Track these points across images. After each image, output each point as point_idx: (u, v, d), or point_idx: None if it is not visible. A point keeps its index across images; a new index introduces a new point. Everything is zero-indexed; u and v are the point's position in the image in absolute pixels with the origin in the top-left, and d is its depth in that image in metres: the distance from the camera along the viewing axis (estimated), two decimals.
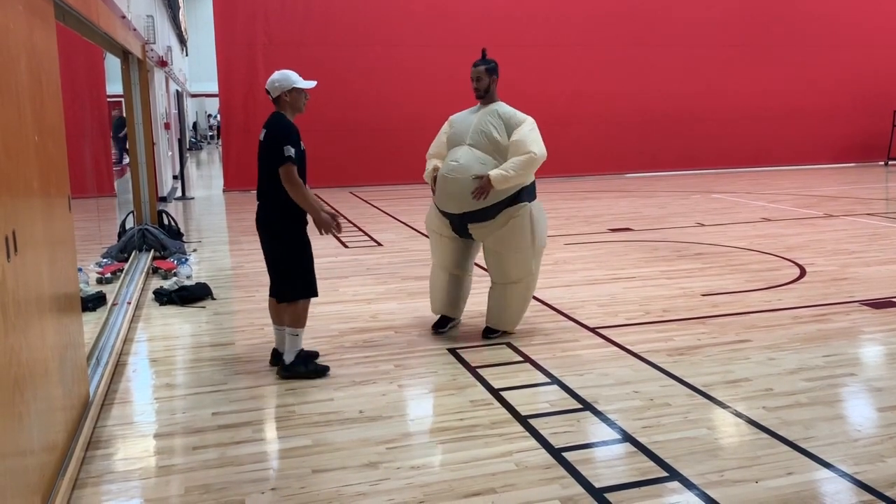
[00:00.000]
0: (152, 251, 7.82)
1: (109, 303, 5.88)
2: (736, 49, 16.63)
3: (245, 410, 3.91)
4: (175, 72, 20.01)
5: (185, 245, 8.42)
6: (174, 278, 6.46)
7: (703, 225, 9.59)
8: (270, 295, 4.53)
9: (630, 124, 16.33)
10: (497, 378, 4.28)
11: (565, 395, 4.04)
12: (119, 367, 4.61)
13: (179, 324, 5.57)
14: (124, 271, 6.98)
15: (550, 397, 4.02)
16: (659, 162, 16.57)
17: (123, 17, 7.33)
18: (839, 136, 17.75)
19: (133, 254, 7.65)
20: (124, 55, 7.89)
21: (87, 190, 11.04)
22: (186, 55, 30.06)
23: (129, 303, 5.79)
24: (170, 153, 14.03)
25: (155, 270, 7.17)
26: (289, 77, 4.36)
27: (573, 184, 14.92)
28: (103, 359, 4.52)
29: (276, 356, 4.51)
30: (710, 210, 10.98)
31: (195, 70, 31.63)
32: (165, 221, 8.68)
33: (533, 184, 4.85)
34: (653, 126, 16.46)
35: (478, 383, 4.21)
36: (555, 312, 5.64)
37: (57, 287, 3.26)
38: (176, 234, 8.70)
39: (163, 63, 13.23)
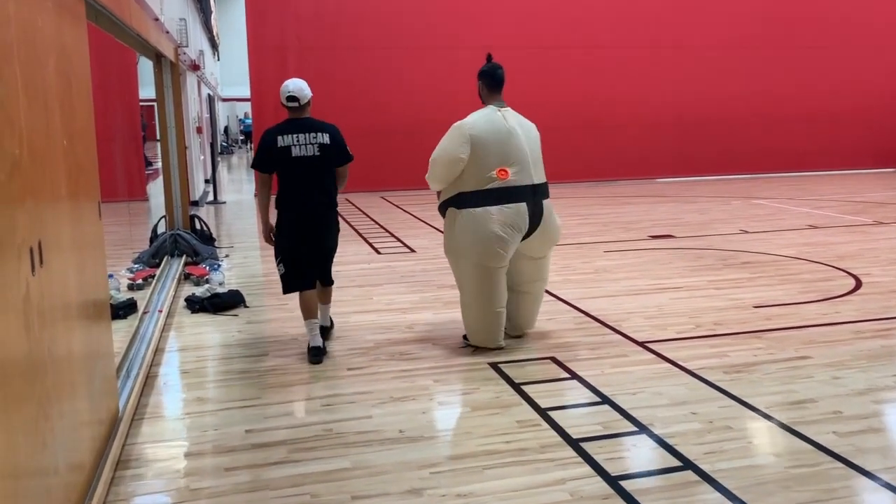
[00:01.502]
0: (184, 256, 7.70)
1: (140, 310, 5.75)
2: (775, 51, 16.20)
3: (279, 428, 3.73)
4: (207, 76, 20.07)
5: (217, 250, 8.30)
6: (206, 285, 6.32)
7: (747, 232, 9.26)
8: (309, 288, 4.79)
9: (666, 128, 15.98)
10: (544, 396, 4.05)
11: (618, 415, 3.80)
12: (150, 378, 4.45)
13: (211, 333, 5.42)
14: (156, 277, 6.86)
15: (602, 418, 3.78)
16: (696, 166, 16.18)
17: (156, 19, 7.23)
18: (882, 140, 17.20)
19: (165, 259, 7.54)
20: (157, 58, 7.79)
21: (118, 194, 11.00)
22: (218, 59, 30.24)
23: (161, 311, 5.66)
24: (202, 157, 14.00)
25: (187, 276, 7.05)
26: (307, 85, 4.86)
27: (609, 188, 14.61)
28: (133, 370, 4.37)
29: (317, 352, 4.67)
30: (753, 216, 10.62)
31: (227, 74, 31.78)
32: (197, 226, 8.57)
33: (472, 192, 4.55)
34: (689, 129, 16.09)
35: (523, 402, 3.98)
36: (600, 325, 5.38)
37: (85, 296, 3.11)
38: (208, 239, 8.58)
39: (195, 67, 13.19)
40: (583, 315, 5.63)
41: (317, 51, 14.03)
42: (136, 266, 7.36)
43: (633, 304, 5.92)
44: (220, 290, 6.15)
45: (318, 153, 4.64)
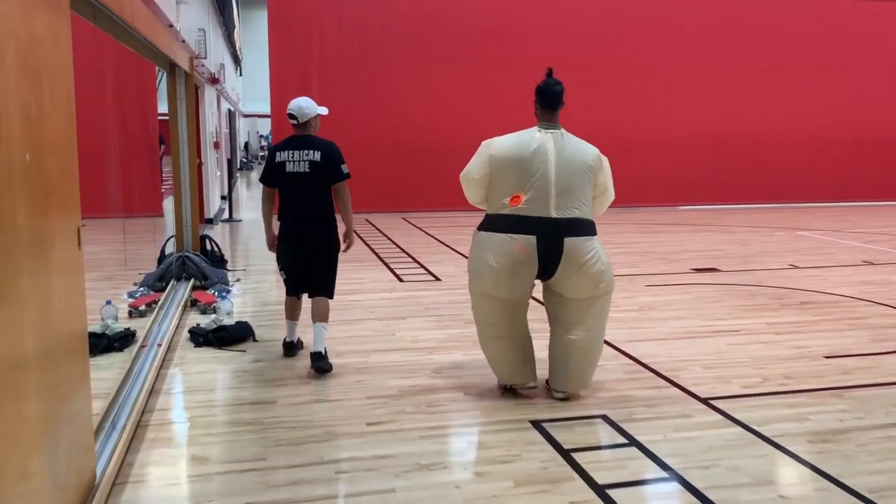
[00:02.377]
0: (192, 280, 7.16)
1: (139, 342, 5.19)
2: (815, 73, 15.53)
3: (286, 501, 3.12)
4: (228, 90, 19.71)
5: (229, 274, 7.75)
6: (213, 315, 5.74)
7: (797, 267, 8.57)
8: (293, 294, 5.10)
9: (698, 152, 15.31)
10: (600, 468, 3.41)
11: (693, 498, 3.15)
12: (140, 429, 3.86)
13: (214, 373, 4.83)
14: (159, 303, 6.31)
15: (675, 502, 3.13)
16: (730, 194, 15.48)
17: (171, 26, 6.74)
18: None
19: (171, 283, 6.99)
20: (171, 68, 7.30)
21: (134, 209, 10.53)
22: (241, 75, 30.02)
23: (160, 345, 5.08)
24: (218, 173, 13.53)
25: (193, 303, 6.49)
26: (311, 104, 4.92)
27: (639, 215, 13.95)
28: (121, 419, 3.78)
29: (290, 348, 5.10)
30: (800, 250, 9.93)
31: (249, 90, 31.55)
32: (209, 247, 8.03)
33: (489, 215, 4.27)
34: (722, 154, 15.39)
35: (576, 475, 3.34)
36: (653, 375, 4.74)
37: (52, 339, 2.54)
38: (219, 261, 8.04)
39: (214, 80, 12.76)
40: (632, 362, 4.99)
41: (340, 65, 13.57)
42: (139, 290, 6.81)
43: (688, 350, 5.27)
44: (228, 321, 5.57)
45: (308, 170, 4.78)
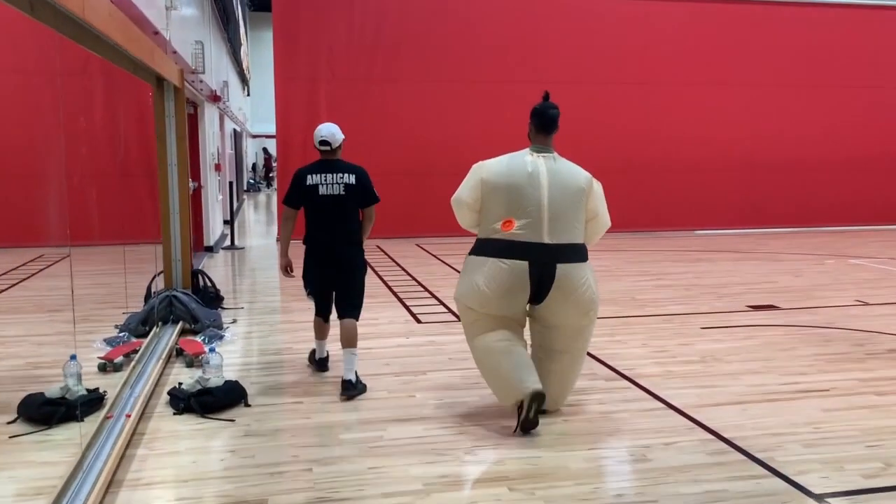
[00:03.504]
0: (180, 324, 6.24)
1: (107, 406, 4.26)
2: (855, 90, 14.58)
3: None
4: (234, 110, 18.94)
5: (223, 315, 6.83)
6: (198, 374, 4.79)
7: (866, 304, 7.57)
8: (321, 314, 5.12)
9: (730, 172, 14.35)
10: None
11: None
12: None
13: (193, 454, 3.88)
14: (139, 352, 5.39)
15: None
16: (765, 216, 14.50)
17: (157, 33, 5.88)
18: None
19: (156, 327, 6.08)
20: (157, 81, 6.43)
21: (130, 235, 9.63)
22: (248, 94, 29.35)
23: (129, 415, 4.14)
24: (220, 197, 12.67)
25: (179, 353, 5.56)
26: (339, 130, 4.98)
27: (673, 241, 12.98)
28: None
29: (322, 363, 5.22)
30: (861, 281, 8.92)
31: (257, 110, 30.84)
32: (202, 283, 7.12)
33: (480, 239, 4.22)
34: (757, 175, 14.43)
35: None
36: (743, 457, 3.76)
37: None
38: (213, 299, 7.12)
39: (216, 98, 11.94)
40: (713, 437, 4.01)
41: (350, 82, 12.73)
42: (119, 336, 5.90)
43: (777, 419, 4.29)
44: (215, 380, 4.62)
45: (343, 192, 4.84)
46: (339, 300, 4.97)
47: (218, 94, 12.08)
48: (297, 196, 4.89)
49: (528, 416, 3.91)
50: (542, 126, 4.17)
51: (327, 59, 12.75)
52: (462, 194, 4.21)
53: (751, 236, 13.56)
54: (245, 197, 25.67)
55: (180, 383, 4.64)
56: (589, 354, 5.49)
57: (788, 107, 14.35)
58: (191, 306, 6.26)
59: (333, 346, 5.19)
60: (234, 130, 19.67)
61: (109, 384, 4.79)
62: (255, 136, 33.76)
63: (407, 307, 7.41)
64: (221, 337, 6.01)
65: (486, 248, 4.09)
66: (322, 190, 4.82)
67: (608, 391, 4.81)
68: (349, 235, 4.90)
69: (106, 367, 5.24)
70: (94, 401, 4.39)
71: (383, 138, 12.53)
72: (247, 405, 4.50)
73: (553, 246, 3.98)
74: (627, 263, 10.31)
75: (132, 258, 8.37)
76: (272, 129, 15.16)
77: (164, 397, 4.61)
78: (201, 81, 9.88)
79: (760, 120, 14.26)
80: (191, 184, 10.27)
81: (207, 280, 7.14)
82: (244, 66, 24.32)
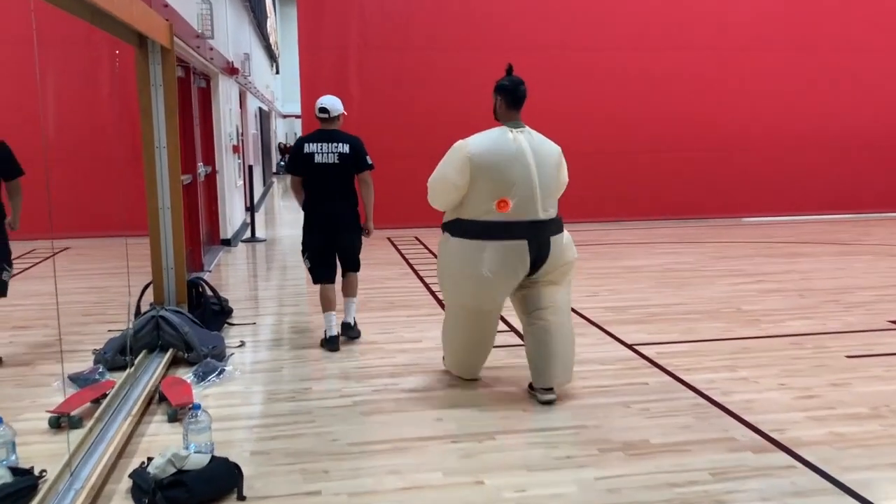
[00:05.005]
0: (170, 352, 4.87)
1: (41, 493, 2.90)
2: None
3: None
4: (261, 88, 17.58)
5: (228, 335, 5.45)
6: (171, 451, 3.35)
7: None
8: (330, 281, 5.29)
9: (806, 152, 12.57)
10: None
11: None
12: None
13: None
14: (108, 398, 4.03)
15: None
16: (855, 200, 12.70)
17: None
18: None
19: (138, 358, 4.71)
20: (140, 41, 5.01)
21: (111, 227, 8.35)
22: (277, 72, 27.99)
23: None
24: (239, 182, 11.32)
25: (162, 399, 4.19)
26: (340, 102, 5.28)
27: (749, 230, 11.32)
28: None
29: (332, 341, 5.17)
30: None
31: (289, 89, 29.47)
32: (202, 295, 5.74)
33: (469, 221, 4.07)
34: (851, 154, 12.63)
35: None
36: None
37: None
38: (218, 314, 5.74)
39: (232, 70, 10.53)
40: None
41: (382, 50, 11.22)
42: (88, 373, 4.53)
43: None
44: (196, 459, 3.20)
45: (338, 161, 5.14)
46: (342, 257, 5.33)
47: (235, 66, 10.68)
48: (297, 163, 5.20)
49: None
50: (515, 102, 4.13)
51: (358, 26, 11.25)
52: (448, 174, 4.08)
53: (842, 222, 11.82)
54: (274, 180, 24.41)
55: (146, 463, 3.24)
56: (716, 404, 4.02)
57: (860, 75, 12.49)
58: (183, 329, 4.87)
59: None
60: (260, 109, 18.31)
61: (57, 453, 3.43)
62: (285, 117, 32.49)
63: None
64: (220, 372, 4.61)
65: (479, 230, 4.01)
66: (318, 158, 5.13)
67: (764, 474, 3.29)
68: (343, 198, 5.20)
69: (60, 422, 3.87)
70: (21, 492, 3.02)
71: (422, 112, 11.02)
72: (240, 498, 3.09)
73: (547, 221, 4.06)
74: (711, 259, 8.71)
75: (139, 253, 7.01)
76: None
77: (127, 482, 3.23)
78: (211, 49, 8.48)
79: (846, 93, 12.44)
80: (202, 168, 8.92)
81: (206, 289, 5.75)
82: (272, 42, 22.94)
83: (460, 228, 4.09)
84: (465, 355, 4.41)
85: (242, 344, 5.35)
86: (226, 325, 5.82)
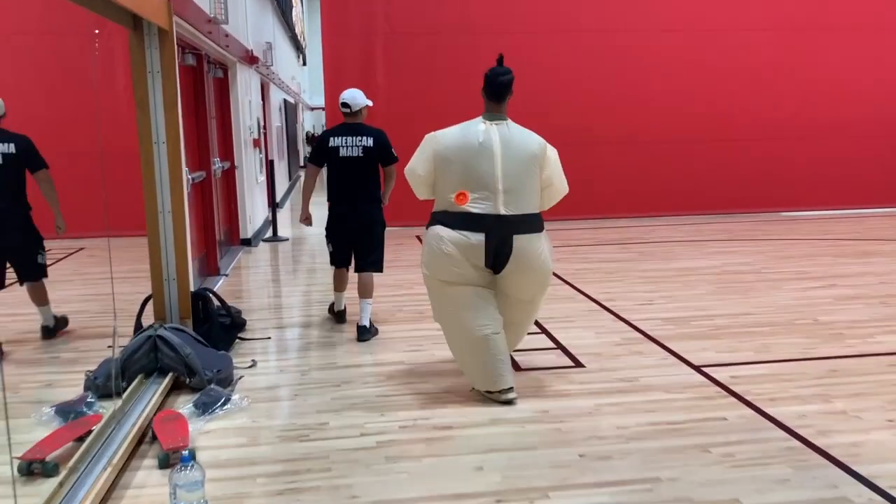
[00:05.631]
0: (169, 376, 4.27)
1: None
2: None
3: None
4: (286, 80, 17.03)
5: (239, 353, 4.84)
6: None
7: None
8: (341, 266, 5.43)
9: (871, 139, 11.62)
10: None
11: None
12: None
13: None
14: (93, 434, 3.43)
15: None
16: (863, 194, 11.66)
17: None
18: None
19: (133, 384, 4.12)
20: (134, 22, 4.40)
21: (119, 226, 7.82)
22: (304, 64, 27.47)
23: None
24: (261, 178, 10.75)
25: (155, 439, 3.58)
26: (363, 95, 5.30)
27: (792, 225, 10.47)
28: None
29: (340, 316, 5.56)
30: None
31: (316, 81, 28.93)
32: (215, 307, 5.13)
33: (438, 212, 4.06)
34: (854, 144, 11.61)
35: None
36: None
37: None
38: (228, 328, 5.13)
39: (252, 59, 9.93)
40: None
41: (411, 37, 10.55)
42: (75, 403, 3.94)
43: None
44: None
45: (362, 154, 5.18)
46: (358, 256, 5.34)
47: (255, 55, 10.08)
48: (320, 155, 5.29)
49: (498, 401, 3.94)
50: (493, 94, 4.01)
51: (384, 10, 10.57)
52: (415, 167, 4.10)
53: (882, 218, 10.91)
54: (301, 175, 23.89)
55: None
56: (814, 448, 3.31)
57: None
58: (184, 350, 4.25)
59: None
60: (285, 101, 17.76)
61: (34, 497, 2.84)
62: (312, 109, 32.03)
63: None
64: (225, 401, 3.99)
65: (443, 220, 3.99)
66: (342, 152, 5.18)
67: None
68: (366, 193, 5.25)
69: (32, 469, 3.28)
70: None
71: (453, 101, 10.28)
72: None
73: (509, 217, 3.90)
74: (772, 260, 7.92)
75: (127, 256, 6.41)
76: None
77: None
78: (227, 36, 7.87)
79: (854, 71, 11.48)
80: (219, 164, 8.35)
81: (214, 301, 5.13)
82: (297, 32, 22.39)
83: (433, 219, 4.08)
84: (468, 349, 4.04)
85: (254, 364, 4.73)
86: (237, 340, 5.21)
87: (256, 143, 10.21)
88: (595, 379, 4.36)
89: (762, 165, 11.35)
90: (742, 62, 11.10)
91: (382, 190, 5.37)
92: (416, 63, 10.45)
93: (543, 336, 5.25)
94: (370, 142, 5.18)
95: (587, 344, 5.03)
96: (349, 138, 5.18)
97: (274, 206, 10.42)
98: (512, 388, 3.96)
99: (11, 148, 4.77)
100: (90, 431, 3.52)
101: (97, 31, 3.79)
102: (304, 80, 28.01)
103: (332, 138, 5.22)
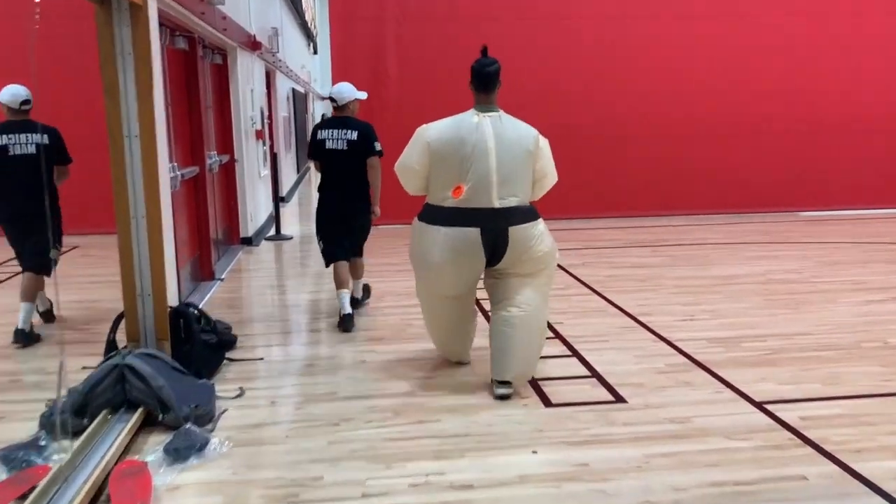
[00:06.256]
0: (139, 411, 3.63)
1: None
2: None
3: None
4: (295, 68, 16.37)
5: (224, 379, 4.20)
6: None
7: None
8: (341, 259, 5.42)
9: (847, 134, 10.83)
10: None
11: None
12: None
13: None
14: (37, 491, 2.80)
15: None
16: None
17: None
18: None
19: (96, 421, 3.49)
20: None
21: (100, 223, 7.21)
22: (315, 52, 26.79)
23: None
24: (264, 172, 10.11)
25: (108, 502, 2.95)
26: (351, 88, 5.42)
27: (832, 227, 9.73)
28: None
29: (347, 319, 5.22)
30: None
31: (328, 70, 28.29)
32: (200, 324, 4.49)
33: (431, 206, 4.03)
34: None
35: None
36: None
37: None
38: (213, 349, 4.49)
39: (255, 45, 9.28)
40: None
41: (425, 22, 9.85)
42: (23, 449, 3.31)
43: None
44: None
45: (346, 147, 5.28)
46: (348, 245, 5.44)
47: (258, 40, 9.42)
48: (314, 149, 5.38)
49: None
50: (481, 85, 3.97)
51: None
52: (409, 160, 4.03)
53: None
54: (311, 166, 23.25)
55: None
56: None
57: None
58: (156, 382, 3.62)
59: None
60: (294, 91, 17.10)
61: None
62: (324, 99, 31.34)
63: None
64: (202, 446, 3.35)
65: (436, 216, 3.95)
66: (329, 144, 5.28)
67: None
68: (353, 186, 5.31)
69: None
70: None
71: (469, 90, 9.63)
72: None
73: (503, 210, 3.86)
74: (821, 266, 7.21)
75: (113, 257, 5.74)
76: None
77: None
78: (224, 18, 7.22)
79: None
80: (216, 157, 7.71)
81: (196, 319, 4.48)
82: (308, 20, 21.72)
83: (426, 213, 4.03)
84: (444, 337, 4.38)
85: (241, 393, 4.09)
86: (225, 361, 4.58)
87: (259, 134, 9.56)
88: (640, 419, 3.69)
89: (799, 160, 10.58)
90: (780, 49, 10.33)
91: (371, 190, 5.38)
92: (430, 50, 9.75)
93: (575, 360, 4.58)
94: (354, 135, 5.26)
95: (626, 371, 4.35)
96: (335, 131, 5.28)
97: (277, 201, 9.77)
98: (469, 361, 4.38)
99: (46, 139, 4.92)
100: (34, 488, 2.90)
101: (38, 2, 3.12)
102: (316, 69, 27.34)
103: (320, 131, 5.36)
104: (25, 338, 4.87)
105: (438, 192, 3.95)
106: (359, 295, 5.67)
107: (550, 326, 5.24)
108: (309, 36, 23.25)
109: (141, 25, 3.87)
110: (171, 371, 3.81)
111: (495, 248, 3.88)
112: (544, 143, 4.02)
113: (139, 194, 3.96)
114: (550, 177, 4.09)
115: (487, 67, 3.94)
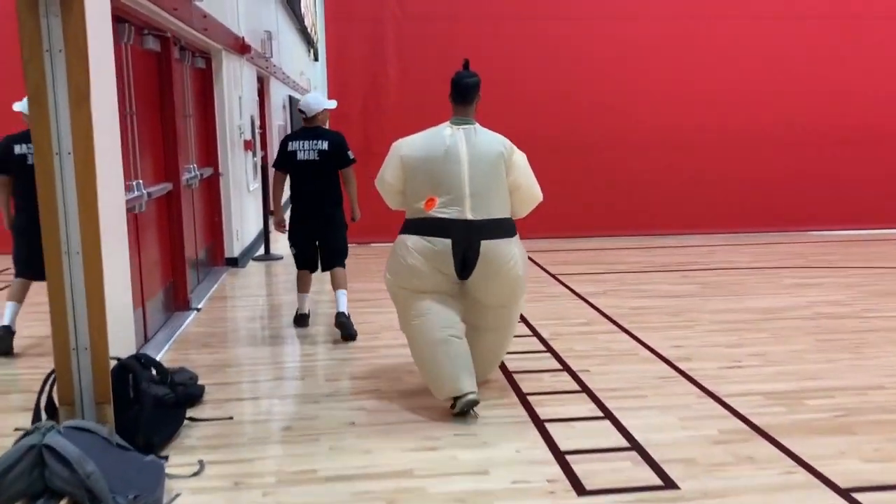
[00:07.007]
0: (63, 502, 2.85)
1: None
2: None
3: None
4: (292, 75, 15.65)
5: (184, 444, 3.43)
6: None
7: None
8: (309, 269, 5.59)
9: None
10: None
11: None
12: None
13: None
14: None
15: None
16: None
17: None
18: None
19: None
20: None
21: None
22: (315, 59, 26.08)
23: None
24: (254, 185, 9.35)
25: None
26: (319, 99, 5.58)
27: (874, 248, 8.95)
28: None
29: (302, 319, 5.62)
30: None
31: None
32: (154, 380, 3.71)
33: (409, 220, 4.00)
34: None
35: None
36: None
37: None
38: (170, 409, 3.70)
39: (243, 48, 8.54)
40: None
41: (425, 22, 9.12)
42: None
43: None
44: None
45: (317, 158, 5.33)
46: (323, 256, 5.51)
47: (247, 43, 8.68)
48: (282, 159, 5.43)
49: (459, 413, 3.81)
50: (459, 97, 3.98)
51: None
52: (385, 175, 4.06)
53: None
54: (271, 174, 22.52)
55: None
56: None
57: None
58: (84, 469, 2.83)
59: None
60: (290, 98, 16.36)
61: None
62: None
63: (531, 410, 3.84)
64: None
65: (411, 227, 3.94)
66: (300, 155, 5.35)
67: None
68: (326, 196, 5.37)
69: None
70: None
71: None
72: None
73: (476, 222, 3.83)
74: (875, 298, 6.42)
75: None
76: None
77: None
78: (205, 17, 6.47)
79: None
80: (195, 171, 6.96)
81: (145, 370, 3.70)
82: (308, 25, 21.02)
83: (404, 227, 4.02)
84: (434, 355, 3.86)
85: (200, 469, 3.31)
86: (186, 422, 3.80)
87: (248, 144, 8.81)
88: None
89: (833, 172, 9.80)
90: (820, 55, 9.57)
91: (346, 200, 5.43)
92: (432, 51, 8.99)
93: (608, 424, 3.79)
94: (325, 145, 5.31)
95: (673, 441, 3.56)
96: (306, 142, 5.31)
97: (267, 217, 9.01)
98: (473, 392, 3.78)
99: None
100: None
101: None
102: (316, 77, 26.63)
103: (290, 143, 5.37)
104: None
105: (414, 205, 3.95)
106: (344, 308, 5.35)
107: (575, 377, 4.46)
108: (309, 42, 22.55)
109: (74, 16, 3.10)
110: (107, 448, 3.03)
111: (465, 261, 3.86)
112: (519, 155, 3.96)
113: (73, 225, 3.19)
114: (529, 191, 4.02)
115: (466, 79, 3.98)
